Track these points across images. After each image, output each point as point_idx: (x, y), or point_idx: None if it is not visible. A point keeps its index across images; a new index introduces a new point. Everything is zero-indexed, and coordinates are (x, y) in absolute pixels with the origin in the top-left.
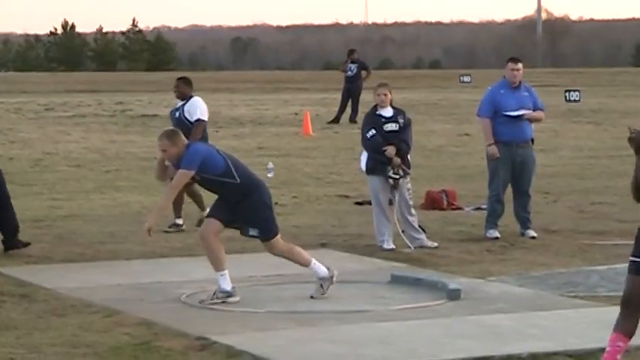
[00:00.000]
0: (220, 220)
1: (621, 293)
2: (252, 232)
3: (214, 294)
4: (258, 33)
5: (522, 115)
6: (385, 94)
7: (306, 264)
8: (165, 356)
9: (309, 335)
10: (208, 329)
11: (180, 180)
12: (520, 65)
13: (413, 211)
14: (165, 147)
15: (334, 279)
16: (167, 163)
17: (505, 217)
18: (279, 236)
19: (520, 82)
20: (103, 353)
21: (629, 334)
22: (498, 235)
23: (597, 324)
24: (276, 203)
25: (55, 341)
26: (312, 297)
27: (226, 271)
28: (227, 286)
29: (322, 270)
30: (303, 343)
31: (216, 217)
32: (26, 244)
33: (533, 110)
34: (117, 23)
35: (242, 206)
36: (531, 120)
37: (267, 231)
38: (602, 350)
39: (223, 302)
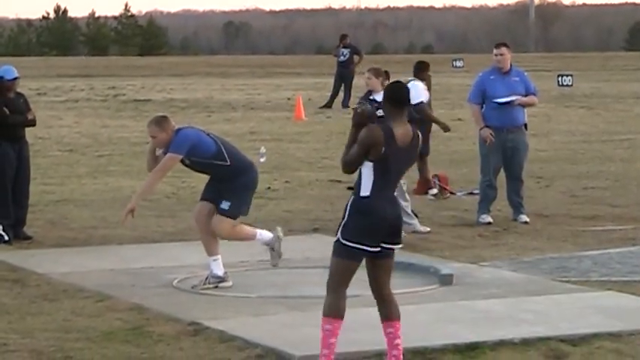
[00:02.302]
0: (213, 202)
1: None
2: (224, 204)
3: (206, 279)
4: (250, 17)
5: (512, 102)
6: (369, 78)
7: (252, 238)
8: (158, 341)
9: (301, 320)
10: (200, 314)
11: (168, 164)
12: (503, 50)
13: (407, 196)
14: (154, 133)
15: (280, 235)
16: (158, 153)
17: (498, 202)
18: (232, 220)
19: (511, 67)
20: (95, 338)
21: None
22: (491, 221)
23: (590, 309)
24: (268, 188)
25: (47, 326)
26: (273, 265)
27: (219, 256)
28: (219, 271)
29: (267, 235)
30: (295, 327)
31: (209, 200)
32: (27, 238)
33: (525, 95)
34: (109, 8)
35: (227, 184)
36: (523, 105)
37: (234, 209)
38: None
39: (215, 287)
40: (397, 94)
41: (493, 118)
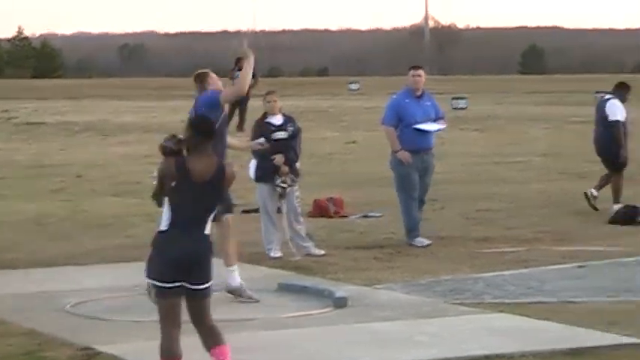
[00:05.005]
0: None
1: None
2: None
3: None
4: (146, 40)
5: (434, 131)
6: (275, 101)
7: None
8: None
9: (196, 344)
10: (94, 339)
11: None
12: (421, 72)
13: (301, 219)
14: None
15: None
16: None
17: (393, 224)
18: None
19: (423, 90)
20: None
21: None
22: (430, 242)
23: (483, 330)
24: None
25: None
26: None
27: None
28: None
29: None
30: (190, 351)
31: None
32: None
33: (436, 118)
34: (2, 30)
35: None
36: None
37: None
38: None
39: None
40: (205, 126)
41: (410, 140)
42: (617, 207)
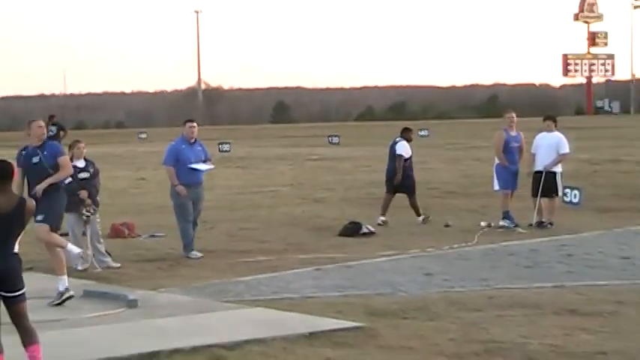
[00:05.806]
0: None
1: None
2: (39, 217)
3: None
4: None
5: (205, 170)
6: (83, 147)
7: (59, 273)
8: None
9: (14, 342)
10: None
11: None
12: (195, 124)
13: (101, 239)
14: None
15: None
16: None
17: (173, 241)
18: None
19: (196, 138)
20: None
21: None
22: (202, 255)
23: (244, 321)
24: None
25: None
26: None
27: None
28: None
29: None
30: (7, 349)
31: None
32: None
33: (205, 159)
34: None
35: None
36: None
37: (49, 219)
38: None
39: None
40: (2, 169)
41: (185, 177)
42: (420, 219)
